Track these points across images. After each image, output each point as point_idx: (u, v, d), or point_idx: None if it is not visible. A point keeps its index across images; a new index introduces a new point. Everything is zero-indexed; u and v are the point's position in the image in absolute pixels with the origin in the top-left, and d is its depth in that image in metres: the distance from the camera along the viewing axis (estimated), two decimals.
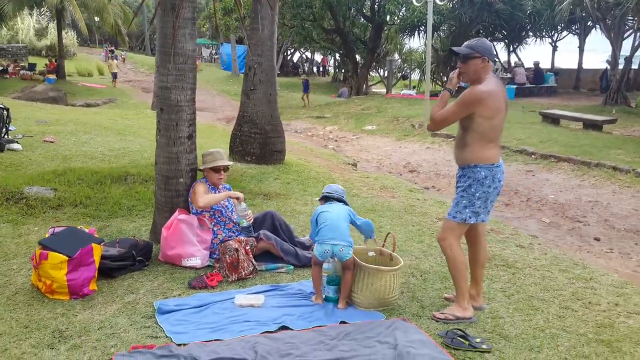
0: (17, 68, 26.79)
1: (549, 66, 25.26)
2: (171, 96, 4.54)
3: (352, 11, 24.33)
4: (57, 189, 6.12)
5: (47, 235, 4.05)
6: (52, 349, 3.19)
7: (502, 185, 3.95)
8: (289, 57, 43.72)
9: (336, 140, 16.28)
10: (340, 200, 4.16)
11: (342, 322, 3.71)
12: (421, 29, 22.42)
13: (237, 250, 4.30)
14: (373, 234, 4.18)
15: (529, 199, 9.19)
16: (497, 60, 25.53)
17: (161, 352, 3.14)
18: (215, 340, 3.36)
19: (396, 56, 32.43)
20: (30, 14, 34.34)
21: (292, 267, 4.60)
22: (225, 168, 4.81)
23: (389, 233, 4.35)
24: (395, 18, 21.95)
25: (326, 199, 4.18)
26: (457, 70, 3.91)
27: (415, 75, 30.45)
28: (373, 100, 21.31)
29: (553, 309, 4.23)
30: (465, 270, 3.93)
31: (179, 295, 4.04)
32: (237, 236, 4.66)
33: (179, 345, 3.29)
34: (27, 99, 21.85)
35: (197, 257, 4.46)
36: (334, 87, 34.77)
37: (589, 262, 6.00)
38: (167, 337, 3.41)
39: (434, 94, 23.47)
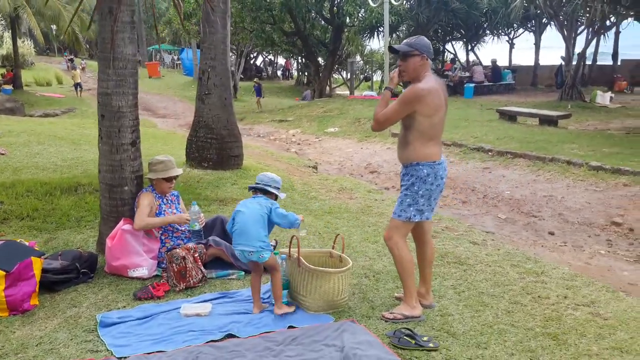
0: None
1: (506, 64, 25.70)
2: (112, 102, 4.45)
3: (312, 14, 24.34)
4: (3, 201, 5.95)
5: None
6: None
7: (445, 182, 3.97)
8: (252, 61, 43.55)
9: (299, 144, 16.25)
10: (264, 190, 3.99)
11: (291, 327, 3.68)
12: (380, 30, 22.56)
13: (184, 258, 4.23)
14: (296, 224, 4.01)
15: (486, 196, 9.30)
16: (457, 59, 25.88)
17: None
18: (157, 352, 3.29)
19: (358, 58, 32.60)
20: None
21: (243, 273, 4.55)
22: (176, 177, 4.74)
23: (337, 234, 4.33)
24: (354, 19, 22.03)
25: (254, 190, 4.05)
26: (397, 70, 3.92)
27: (377, 77, 30.64)
28: (335, 103, 21.34)
29: (502, 305, 4.27)
30: (412, 268, 3.94)
31: (124, 307, 3.95)
32: (185, 243, 4.59)
33: (120, 358, 3.21)
34: None
35: (143, 267, 4.37)
36: (297, 90, 34.78)
37: (542, 256, 6.11)
38: (108, 350, 3.33)
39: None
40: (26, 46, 35.59)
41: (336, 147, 14.99)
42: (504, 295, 4.46)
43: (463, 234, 6.30)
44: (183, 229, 4.72)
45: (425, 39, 3.90)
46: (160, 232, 4.62)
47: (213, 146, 8.40)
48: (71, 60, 41.03)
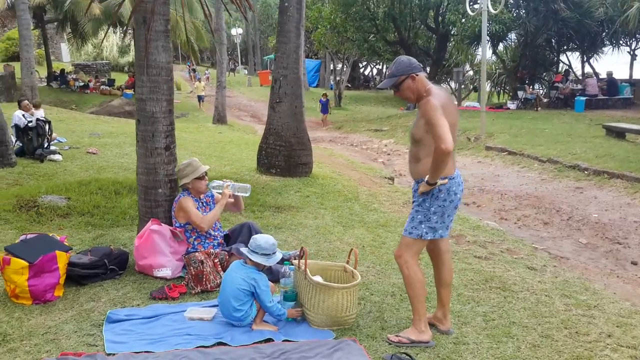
0: (98, 83, 28.39)
1: (626, 76, 23.72)
2: (146, 108, 4.63)
3: (416, 22, 24.01)
4: (71, 197, 6.38)
5: (17, 241, 4.22)
6: None
7: (460, 198, 3.72)
8: (361, 70, 43.76)
9: (388, 154, 16.04)
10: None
11: (286, 340, 3.60)
12: (487, 38, 21.74)
13: (202, 262, 4.29)
14: (278, 317, 3.83)
15: (570, 218, 8.61)
16: (571, 70, 24.30)
17: None
18: (145, 352, 3.35)
19: (467, 67, 31.67)
20: (114, 32, 36.41)
21: None
22: (206, 172, 4.84)
23: (352, 249, 4.19)
24: (459, 28, 21.41)
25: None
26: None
27: (487, 87, 29.54)
28: None
29: (530, 338, 3.92)
30: (422, 289, 3.72)
31: (138, 305, 4.08)
32: (215, 249, 4.65)
33: (108, 354, 3.30)
34: (104, 113, 23.15)
35: (167, 267, 4.49)
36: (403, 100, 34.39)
37: (611, 288, 5.57)
38: (104, 345, 3.44)
39: (498, 106, 22.76)
40: None
41: None
42: (536, 328, 4.09)
43: (523, 258, 5.88)
44: (216, 233, 4.79)
45: (403, 57, 3.71)
46: (195, 236, 4.71)
47: (281, 153, 8.50)
48: (194, 70, 42.76)
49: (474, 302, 4.52)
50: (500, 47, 24.68)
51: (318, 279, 4.09)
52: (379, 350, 3.60)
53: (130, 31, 35.96)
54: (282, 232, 6.07)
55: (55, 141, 10.26)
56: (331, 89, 31.21)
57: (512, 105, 21.27)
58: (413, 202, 3.77)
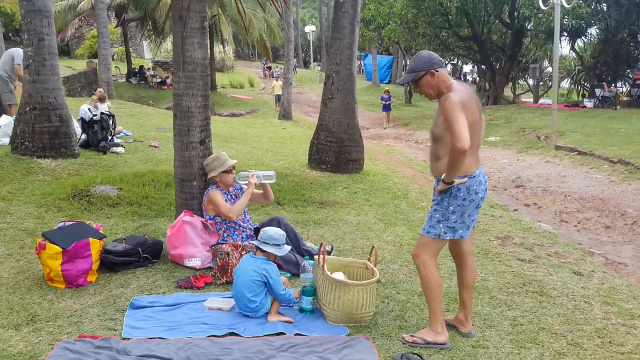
0: None
1: None
2: (182, 102, 4.76)
3: (490, 17, 23.30)
4: (122, 188, 6.66)
5: (55, 228, 4.45)
6: (16, 329, 3.51)
7: (482, 197, 3.58)
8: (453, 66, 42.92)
9: None
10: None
11: (298, 334, 3.61)
12: (564, 34, 20.82)
13: (228, 254, 4.37)
14: (290, 304, 3.95)
15: (635, 222, 8.11)
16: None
17: (100, 343, 3.31)
18: (159, 338, 3.46)
19: (546, 63, 30.45)
20: None
21: (289, 274, 4.56)
22: (234, 166, 4.92)
23: (373, 246, 4.14)
24: (535, 23, 20.56)
25: (256, 247, 4.00)
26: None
27: (565, 84, 28.29)
28: (504, 110, 20.20)
29: (557, 345, 3.74)
30: (438, 290, 3.62)
31: (164, 293, 4.21)
32: (244, 242, 4.73)
33: (124, 339, 3.43)
34: None
35: (197, 258, 4.61)
36: (478, 96, 33.55)
37: None
38: (122, 330, 3.58)
39: (574, 104, 21.70)
40: (226, 52, 39.12)
41: (491, 158, 14.19)
42: (566, 335, 3.90)
43: (570, 262, 5.61)
44: (245, 225, 4.88)
45: (424, 52, 3.63)
46: (224, 228, 4.82)
47: (332, 149, 8.50)
48: (269, 68, 42.92)
49: (505, 305, 4.36)
50: (580, 42, 23.53)
51: (340, 275, 4.08)
52: (392, 350, 3.54)
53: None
54: (321, 228, 6.08)
55: (122, 134, 10.73)
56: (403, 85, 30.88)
57: (588, 103, 20.27)
58: (432, 200, 3.68)
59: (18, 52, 8.94)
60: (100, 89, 11.21)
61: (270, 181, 4.86)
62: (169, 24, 26.36)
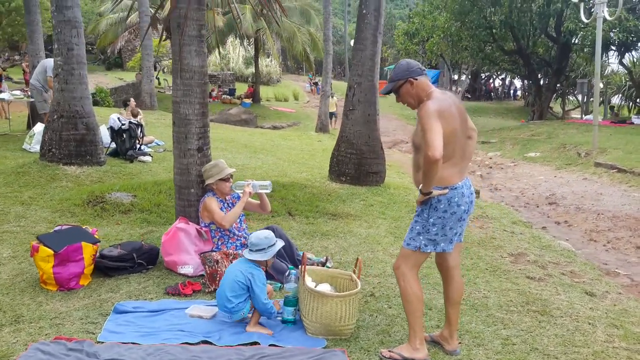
0: (220, 93, 29.97)
1: None
2: (180, 110, 4.81)
3: (536, 31, 22.78)
4: (137, 195, 6.77)
5: (51, 231, 4.55)
6: None
7: (465, 210, 3.45)
8: (483, 81, 42.30)
9: (490, 167, 15.36)
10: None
11: (272, 345, 3.56)
12: (612, 48, 20.14)
13: (217, 262, 4.36)
14: (268, 315, 3.84)
15: None
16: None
17: (72, 346, 3.35)
18: (132, 343, 3.46)
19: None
20: (241, 44, 38.29)
21: (280, 285, 4.51)
22: (231, 175, 4.92)
23: (357, 258, 4.05)
24: (581, 37, 19.98)
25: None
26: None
27: (615, 99, 27.29)
28: (547, 126, 19.66)
29: None
30: (418, 304, 3.50)
31: (152, 299, 4.23)
32: (237, 250, 4.71)
33: (98, 342, 3.46)
34: (222, 121, 24.35)
35: (190, 265, 4.62)
36: (526, 111, 32.79)
37: None
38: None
39: (620, 121, 20.87)
40: (272, 65, 39.59)
41: (528, 174, 13.81)
42: (559, 357, 3.73)
43: (584, 282, 5.36)
44: (240, 234, 4.87)
45: (402, 61, 3.55)
46: (218, 236, 4.82)
47: (352, 161, 8.43)
48: (315, 84, 42.71)
49: (501, 324, 4.19)
50: (630, 57, 22.69)
51: (326, 286, 4.02)
52: None
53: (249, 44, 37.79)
54: (327, 239, 6.02)
55: (153, 144, 10.96)
56: None
57: (636, 119, 19.47)
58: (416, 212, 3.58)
59: (51, 63, 9.27)
60: (133, 102, 11.50)
61: (266, 191, 4.83)
62: (214, 37, 27.08)
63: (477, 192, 10.10)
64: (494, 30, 22.52)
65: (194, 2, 4.61)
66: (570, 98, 31.97)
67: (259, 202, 5.02)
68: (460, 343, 3.81)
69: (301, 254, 4.87)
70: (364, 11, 8.45)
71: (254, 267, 3.83)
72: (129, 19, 26.55)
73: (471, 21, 22.36)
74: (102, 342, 3.46)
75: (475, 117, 31.51)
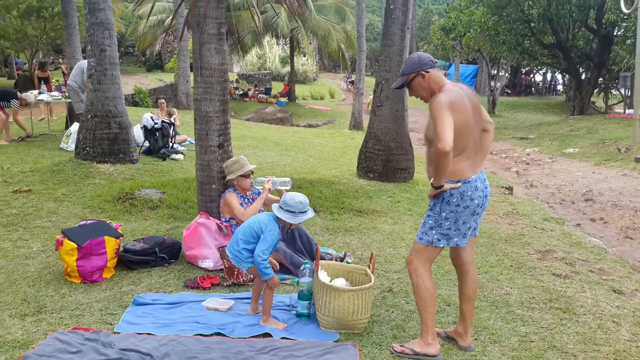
0: (256, 92, 30.21)
1: None
2: (201, 107, 4.88)
3: (576, 24, 22.17)
4: (165, 192, 6.91)
5: (76, 226, 4.69)
6: (21, 319, 3.72)
7: (478, 204, 3.40)
8: (523, 76, 41.45)
9: (527, 163, 15.04)
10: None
11: (284, 338, 3.59)
12: None
13: None
14: (262, 272, 3.71)
15: None
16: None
17: (89, 335, 3.45)
18: (147, 334, 3.55)
19: None
20: (277, 44, 38.52)
21: (297, 279, 4.53)
22: (252, 171, 4.96)
23: (372, 253, 4.04)
24: (625, 29, 19.34)
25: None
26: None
27: None
28: (587, 121, 19.11)
29: None
30: (431, 300, 3.47)
31: (171, 291, 4.32)
32: None
33: (115, 332, 3.55)
34: (258, 120, 24.61)
35: (210, 259, 4.70)
36: (568, 106, 31.98)
37: None
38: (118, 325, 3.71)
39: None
40: (308, 64, 39.67)
41: (565, 170, 13.47)
42: (578, 355, 3.64)
43: (613, 280, 5.22)
44: None
45: (414, 55, 3.50)
46: None
47: (379, 157, 8.40)
48: (352, 82, 42.65)
49: (520, 321, 4.12)
50: None
51: (341, 281, 4.03)
52: (377, 358, 3.44)
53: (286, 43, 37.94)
54: (350, 235, 6.01)
55: (187, 142, 11.15)
56: (491, 95, 29.98)
57: None
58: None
59: (86, 64, 9.52)
60: (163, 102, 11.75)
61: (286, 187, 4.85)
62: (250, 37, 27.34)
63: (510, 189, 9.95)
64: (532, 24, 21.99)
65: (213, 0, 4.68)
66: (614, 92, 30.96)
67: (278, 198, 5.05)
68: (475, 339, 3.77)
69: (320, 251, 4.90)
70: (392, 6, 8.40)
71: (273, 222, 3.77)
72: (167, 20, 27.02)
73: (508, 15, 21.89)
74: (119, 333, 3.55)
75: (514, 112, 30.99)
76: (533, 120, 25.42)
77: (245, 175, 4.86)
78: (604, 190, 10.87)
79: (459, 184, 3.36)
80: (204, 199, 5.10)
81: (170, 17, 27.01)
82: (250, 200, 4.95)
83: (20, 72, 27.85)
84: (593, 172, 12.74)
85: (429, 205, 3.52)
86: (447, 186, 3.34)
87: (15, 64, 30.99)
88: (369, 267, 4.03)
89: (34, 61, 27.75)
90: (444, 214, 3.40)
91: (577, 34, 22.78)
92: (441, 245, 3.46)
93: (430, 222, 3.46)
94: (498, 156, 16.70)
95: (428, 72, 3.40)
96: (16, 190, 6.88)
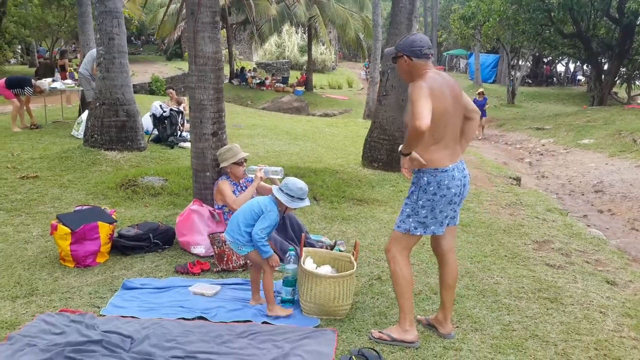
0: (274, 81, 30.27)
1: None
2: (195, 95, 4.94)
3: (597, 13, 21.76)
4: (168, 179, 7.01)
5: (71, 211, 4.80)
6: (12, 300, 3.84)
7: (456, 193, 3.41)
8: (545, 66, 40.86)
9: (541, 154, 14.90)
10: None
11: (265, 323, 3.65)
12: None
13: (225, 242, 4.48)
14: (260, 250, 3.75)
15: None
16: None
17: (75, 317, 3.55)
18: (131, 317, 3.64)
19: None
20: (296, 32, 38.50)
21: (284, 266, 4.59)
22: (245, 159, 5.01)
23: (356, 241, 4.07)
24: None
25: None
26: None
27: None
28: (605, 112, 18.82)
29: (542, 354, 3.53)
30: (407, 287, 3.50)
31: (161, 277, 4.41)
32: None
33: (100, 315, 3.65)
34: (274, 109, 24.66)
35: (202, 245, 4.77)
36: (589, 97, 31.51)
37: None
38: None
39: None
40: (327, 53, 39.59)
41: (578, 161, 13.32)
42: (558, 344, 3.65)
43: (608, 271, 5.19)
44: None
45: (415, 36, 3.45)
46: (230, 218, 4.94)
47: (384, 147, 8.41)
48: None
49: (506, 310, 4.13)
50: None
51: (327, 268, 4.08)
52: (355, 344, 3.49)
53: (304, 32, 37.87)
54: (348, 224, 6.05)
55: None
56: (511, 85, 29.63)
57: None
58: None
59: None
60: (172, 91, 11.89)
61: (277, 176, 4.88)
62: (267, 26, 27.35)
63: (518, 179, 9.88)
64: (552, 13, 21.65)
65: None
66: (638, 82, 30.41)
67: (271, 186, 5.10)
68: (457, 327, 3.80)
69: (310, 238, 4.96)
70: None
71: (273, 204, 3.82)
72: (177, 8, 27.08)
73: (528, 4, 21.55)
74: (104, 315, 3.65)
75: (534, 103, 30.62)
76: (552, 111, 25.09)
77: (238, 163, 4.92)
78: (615, 182, 10.74)
79: (424, 163, 3.37)
80: (198, 186, 5.18)
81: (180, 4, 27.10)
82: (244, 188, 5.01)
83: (42, 60, 28.24)
84: (606, 164, 12.58)
85: (408, 195, 3.54)
86: (414, 154, 3.35)
87: (37, 52, 31.49)
88: (352, 254, 4.06)
89: (54, 49, 28.18)
90: (420, 202, 3.42)
91: (598, 24, 22.36)
92: (418, 234, 3.48)
93: (408, 210, 3.48)
94: (512, 147, 16.55)
95: (412, 60, 3.40)
96: (23, 177, 7.04)
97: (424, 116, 3.12)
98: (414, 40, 3.45)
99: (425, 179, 3.39)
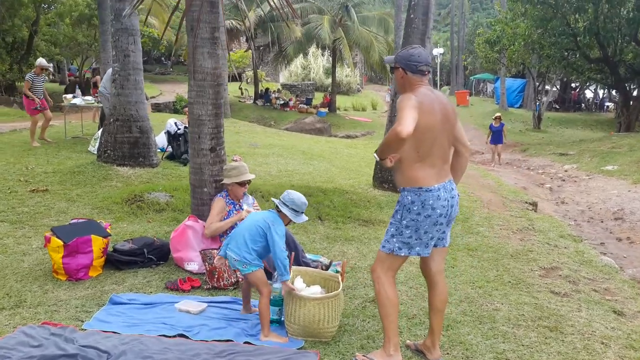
0: (297, 102, 30.42)
1: None
2: (194, 111, 4.94)
3: (625, 38, 21.43)
4: (174, 195, 7.01)
5: (67, 224, 4.81)
6: None
7: (441, 214, 3.31)
8: (573, 91, 40.34)
9: (563, 180, 14.58)
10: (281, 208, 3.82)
11: (247, 343, 3.57)
12: None
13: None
14: (281, 259, 3.65)
15: None
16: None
17: (55, 330, 3.52)
18: (112, 332, 3.59)
19: None
20: (322, 55, 38.76)
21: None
22: (249, 181, 4.96)
23: (344, 260, 3.98)
24: None
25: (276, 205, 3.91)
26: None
27: None
28: (632, 138, 18.38)
29: None
30: (392, 309, 3.39)
31: (151, 292, 4.36)
32: None
33: (82, 329, 3.61)
34: (296, 130, 24.73)
35: (195, 262, 4.73)
36: (616, 123, 30.93)
37: None
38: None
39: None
40: (352, 75, 39.72)
41: (600, 187, 12.99)
42: None
43: (616, 301, 4.99)
44: None
45: (416, 50, 3.39)
46: (225, 236, 4.88)
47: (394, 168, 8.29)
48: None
49: (502, 337, 3.98)
50: None
51: (316, 288, 3.99)
52: None
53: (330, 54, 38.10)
54: (350, 244, 5.96)
55: None
56: (537, 110, 29.25)
57: None
58: None
59: None
60: (187, 110, 12.01)
61: None
62: (292, 48, 27.59)
63: (535, 205, 9.66)
64: (577, 38, 21.40)
65: (207, 5, 4.75)
66: None
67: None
68: (447, 354, 3.67)
69: (307, 257, 4.88)
70: (412, 16, 8.33)
71: (277, 218, 3.79)
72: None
73: (553, 28, 21.36)
74: (85, 330, 3.61)
75: (561, 128, 30.15)
76: (578, 137, 24.67)
77: (241, 184, 4.87)
78: (636, 210, 10.42)
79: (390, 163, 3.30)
80: (196, 202, 5.15)
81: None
82: (242, 207, 4.96)
83: (73, 78, 28.93)
84: (629, 191, 12.24)
85: (393, 214, 3.45)
86: (387, 162, 3.28)
87: (68, 70, 32.27)
88: (341, 275, 3.97)
89: (86, 68, 28.82)
90: (404, 222, 3.33)
91: (625, 49, 22.00)
92: (402, 254, 3.37)
93: (392, 229, 3.39)
94: (534, 172, 16.26)
95: (407, 74, 3.34)
96: (33, 190, 7.12)
97: (407, 123, 3.05)
98: (411, 55, 3.39)
99: (409, 197, 3.31)
